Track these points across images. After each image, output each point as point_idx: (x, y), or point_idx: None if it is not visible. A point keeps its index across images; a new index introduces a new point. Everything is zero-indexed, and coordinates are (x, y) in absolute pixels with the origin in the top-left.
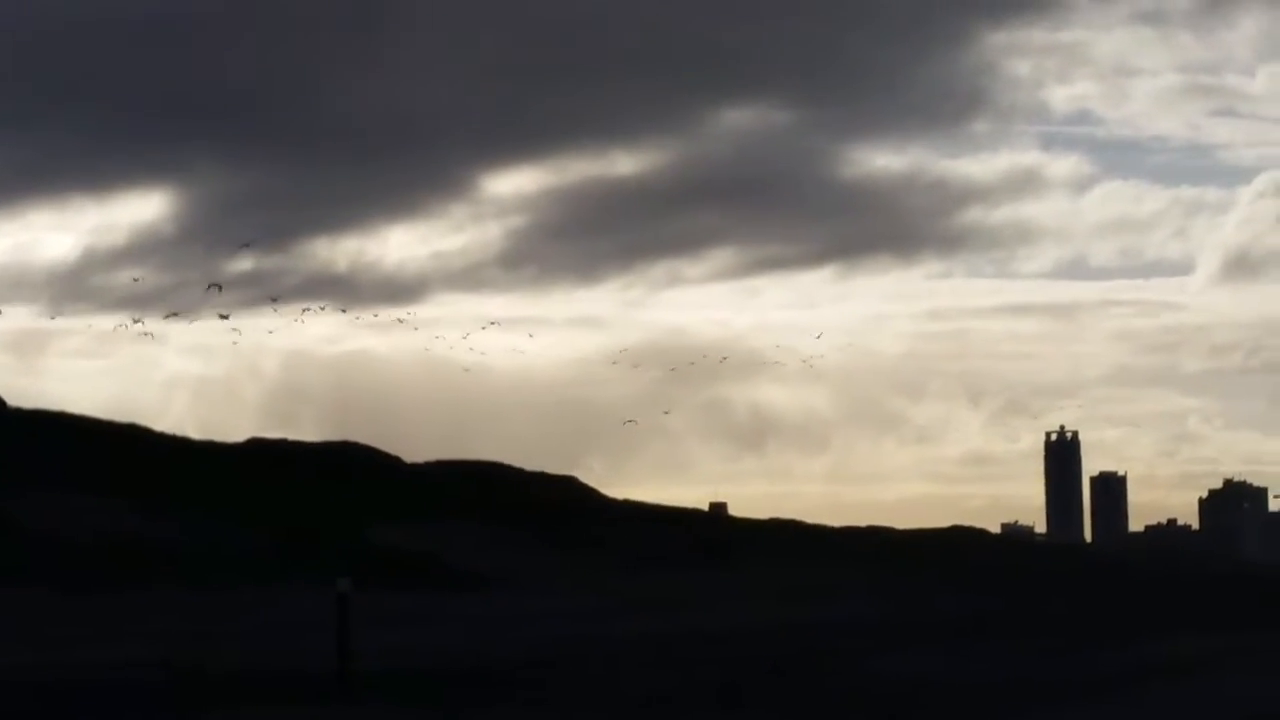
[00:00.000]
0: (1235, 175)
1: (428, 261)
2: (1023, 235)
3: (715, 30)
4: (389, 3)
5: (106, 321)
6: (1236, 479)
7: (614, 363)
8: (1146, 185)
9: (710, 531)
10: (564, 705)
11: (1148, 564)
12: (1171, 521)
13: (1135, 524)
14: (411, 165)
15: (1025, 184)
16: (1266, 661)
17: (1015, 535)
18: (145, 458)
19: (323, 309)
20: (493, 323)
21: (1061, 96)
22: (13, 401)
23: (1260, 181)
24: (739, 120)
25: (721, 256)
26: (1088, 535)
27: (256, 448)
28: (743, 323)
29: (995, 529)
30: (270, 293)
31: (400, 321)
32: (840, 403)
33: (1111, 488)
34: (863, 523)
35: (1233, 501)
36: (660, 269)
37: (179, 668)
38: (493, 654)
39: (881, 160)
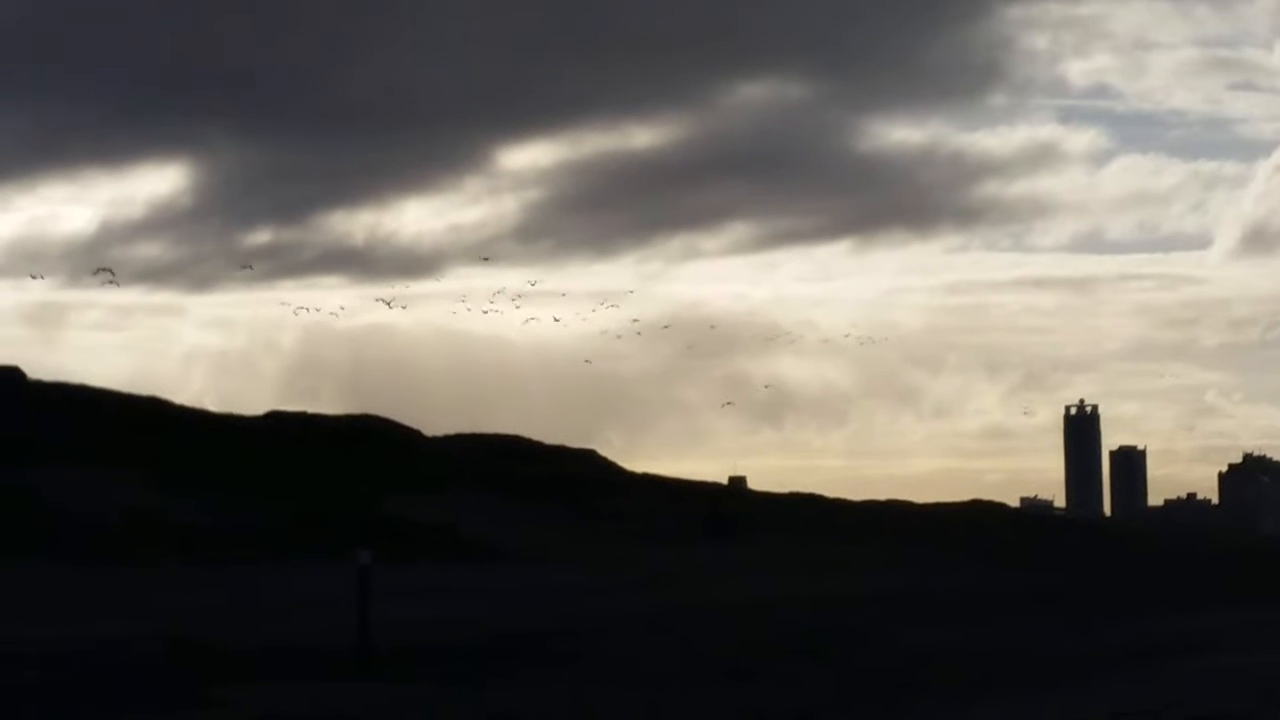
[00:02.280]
0: (1254, 149)
1: (444, 235)
2: (1040, 209)
3: (730, 3)
4: None
5: (125, 295)
6: (1256, 453)
7: (690, 346)
8: (1165, 159)
9: (731, 505)
10: (584, 678)
11: (1167, 538)
12: (1191, 495)
13: (1155, 498)
14: (427, 139)
15: (1043, 158)
16: None
17: (1034, 509)
18: (164, 431)
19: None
20: (613, 304)
21: (1079, 70)
22: (32, 374)
23: (1279, 155)
24: (755, 94)
25: (738, 230)
26: (1107, 509)
27: (276, 420)
28: (760, 296)
29: (1014, 503)
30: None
31: (470, 306)
32: (858, 377)
33: (1131, 462)
34: (882, 496)
35: (1252, 475)
36: (677, 242)
37: (194, 642)
38: (513, 627)
39: (898, 134)
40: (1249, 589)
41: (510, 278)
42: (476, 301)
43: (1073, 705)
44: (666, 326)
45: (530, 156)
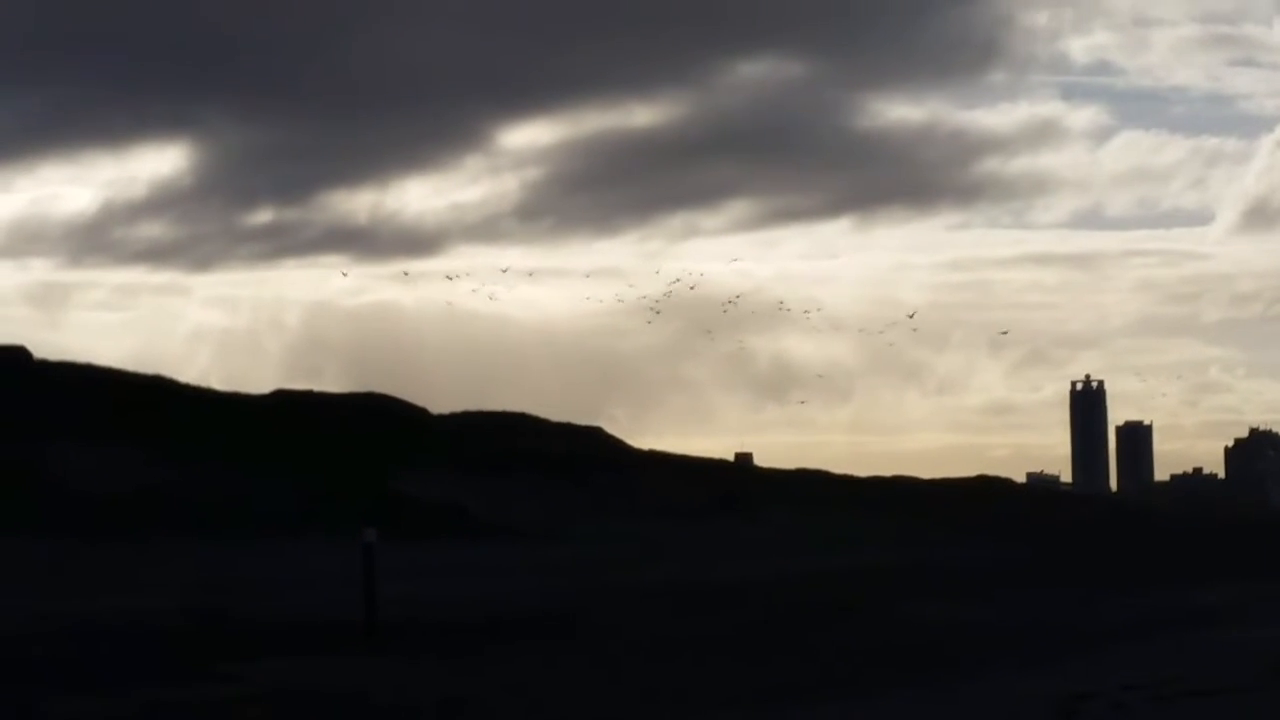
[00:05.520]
0: (1256, 125)
1: (445, 213)
2: (1041, 186)
3: None
4: None
5: (126, 275)
6: (1262, 428)
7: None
8: (1166, 135)
9: (737, 482)
10: (591, 654)
11: (1174, 513)
12: (1197, 470)
13: (1161, 473)
14: (427, 118)
15: (1043, 135)
16: None
17: (1041, 485)
18: (171, 409)
19: None
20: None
21: (1080, 47)
22: (37, 354)
23: None
24: (754, 72)
25: (739, 208)
26: (1114, 484)
27: (282, 399)
28: (764, 273)
29: (1021, 479)
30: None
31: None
32: (863, 353)
33: (1137, 437)
34: (888, 473)
35: (1258, 450)
36: (677, 220)
37: (204, 618)
38: (519, 604)
39: (898, 111)
40: (1256, 563)
41: (511, 257)
42: (480, 280)
43: (1082, 678)
44: (693, 288)
45: (530, 135)
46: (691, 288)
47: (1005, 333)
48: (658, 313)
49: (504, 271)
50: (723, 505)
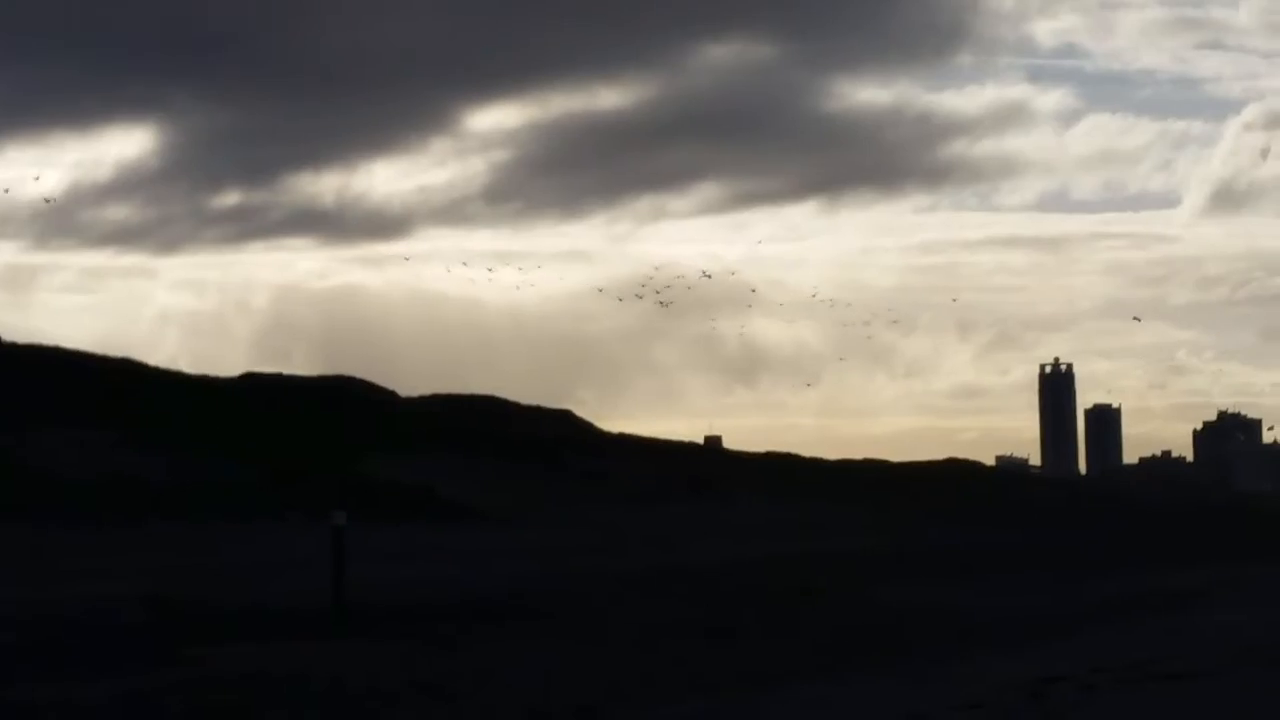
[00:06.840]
0: (1223, 108)
1: (412, 196)
2: (1008, 168)
3: None
4: None
5: (93, 257)
6: (1231, 411)
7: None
8: (1133, 118)
9: (707, 465)
10: (561, 638)
11: (1143, 496)
12: (1166, 453)
13: (1130, 456)
14: (394, 100)
15: (1011, 117)
16: (1261, 592)
17: (1010, 468)
18: (140, 392)
19: None
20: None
21: (1047, 29)
22: (6, 337)
23: (1247, 113)
24: (721, 54)
25: (706, 191)
26: (1083, 467)
27: (251, 382)
28: (733, 255)
29: (990, 462)
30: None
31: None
32: (831, 336)
33: (1106, 420)
34: (858, 455)
35: (1227, 434)
36: (645, 203)
37: (170, 603)
38: (489, 588)
39: (865, 94)
40: (1225, 546)
41: (479, 240)
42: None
43: (1051, 661)
44: (710, 276)
45: (497, 118)
46: (709, 276)
47: (1138, 319)
48: (669, 304)
49: (539, 268)
50: (692, 488)
